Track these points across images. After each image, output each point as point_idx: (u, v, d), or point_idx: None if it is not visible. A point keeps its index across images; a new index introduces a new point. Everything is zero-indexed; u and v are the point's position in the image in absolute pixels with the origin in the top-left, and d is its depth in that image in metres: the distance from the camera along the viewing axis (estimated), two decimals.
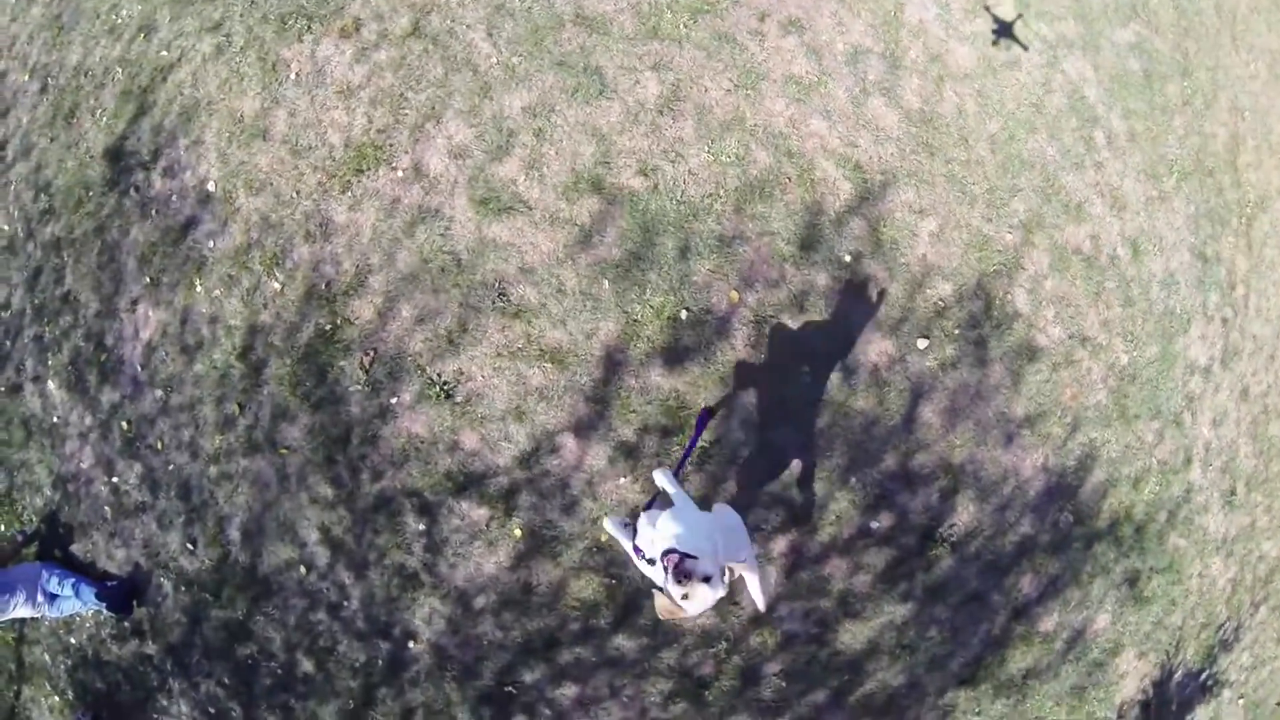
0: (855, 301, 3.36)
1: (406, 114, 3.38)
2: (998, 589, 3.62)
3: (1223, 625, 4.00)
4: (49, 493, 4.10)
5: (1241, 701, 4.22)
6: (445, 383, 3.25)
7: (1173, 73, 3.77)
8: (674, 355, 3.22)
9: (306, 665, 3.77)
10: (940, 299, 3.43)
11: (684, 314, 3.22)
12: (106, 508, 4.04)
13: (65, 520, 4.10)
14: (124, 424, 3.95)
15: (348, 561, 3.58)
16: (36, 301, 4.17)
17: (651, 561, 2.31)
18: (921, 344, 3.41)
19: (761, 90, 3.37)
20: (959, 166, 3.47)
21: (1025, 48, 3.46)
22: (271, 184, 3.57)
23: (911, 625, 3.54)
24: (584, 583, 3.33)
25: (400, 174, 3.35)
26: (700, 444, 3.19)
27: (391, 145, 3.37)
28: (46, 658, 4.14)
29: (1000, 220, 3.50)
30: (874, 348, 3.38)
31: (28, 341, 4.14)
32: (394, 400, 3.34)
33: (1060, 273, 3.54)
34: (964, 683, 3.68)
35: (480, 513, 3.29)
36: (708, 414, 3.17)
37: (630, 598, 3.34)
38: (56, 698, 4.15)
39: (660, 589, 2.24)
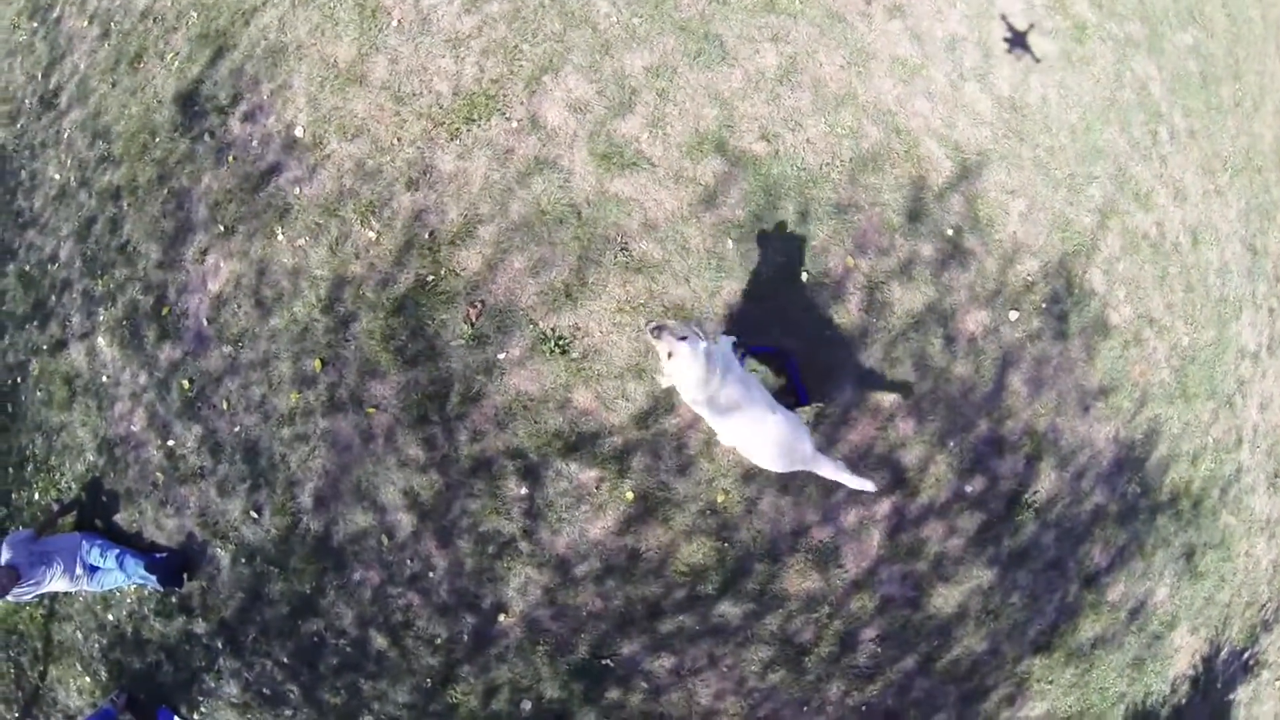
0: (956, 272, 3.32)
1: (522, 65, 3.16)
2: (1073, 557, 3.60)
3: (1264, 606, 4.04)
4: (92, 458, 3.57)
5: (1278, 684, 4.32)
6: (560, 337, 2.99)
7: (1226, 76, 3.93)
8: (794, 315, 3.11)
9: (380, 642, 3.39)
10: (1028, 274, 3.42)
11: (804, 276, 3.13)
12: (158, 474, 3.55)
13: (109, 487, 3.57)
14: (184, 382, 3.50)
15: (435, 529, 3.23)
16: (88, 253, 3.67)
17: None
18: (1013, 316, 3.39)
19: (871, 69, 3.32)
20: (1044, 152, 3.50)
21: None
22: (369, 130, 3.26)
23: (997, 590, 3.46)
24: (694, 547, 3.10)
25: (515, 124, 3.11)
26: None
27: (505, 96, 3.14)
28: (79, 635, 3.57)
29: (1079, 204, 3.54)
30: (971, 318, 3.34)
31: (76, 296, 3.63)
32: (501, 355, 3.05)
33: (1130, 256, 3.60)
34: (1039, 650, 3.62)
35: (590, 474, 3.02)
36: (792, 363, 3.02)
37: (740, 561, 3.15)
38: (87, 678, 3.58)
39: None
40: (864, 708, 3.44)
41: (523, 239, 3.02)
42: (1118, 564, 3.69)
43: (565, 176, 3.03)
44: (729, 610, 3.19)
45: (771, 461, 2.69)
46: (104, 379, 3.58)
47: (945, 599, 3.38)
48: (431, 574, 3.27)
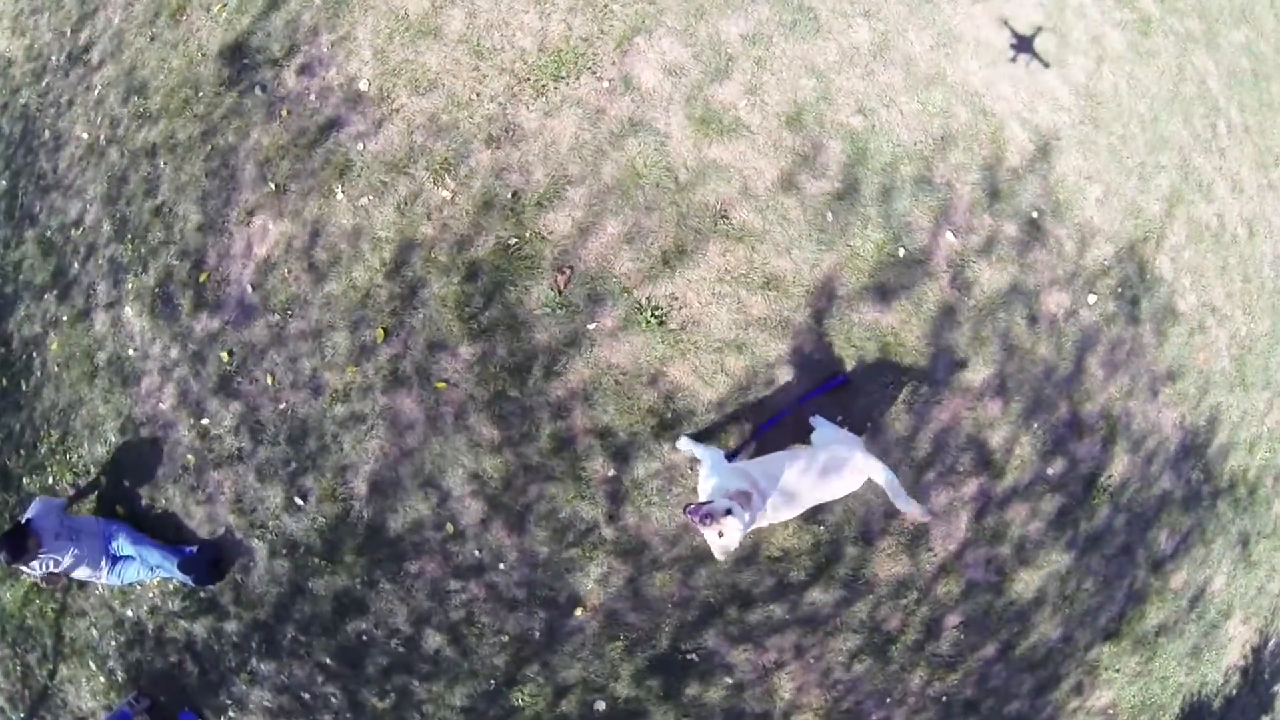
0: (1038, 254, 3.32)
1: (612, 25, 3.00)
2: (1141, 542, 3.62)
3: None
4: (114, 439, 3.23)
5: None
6: (656, 307, 2.81)
7: (1275, 73, 4.06)
8: (890, 291, 2.96)
9: (436, 640, 3.11)
10: (1104, 259, 3.44)
11: (901, 251, 3.04)
12: (189, 456, 3.19)
13: (132, 472, 3.22)
14: (223, 355, 3.16)
15: (507, 516, 2.97)
16: (117, 216, 3.33)
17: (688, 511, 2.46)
18: (1091, 299, 3.45)
19: (957, 51, 3.28)
20: (1116, 140, 3.56)
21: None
22: (443, 84, 3.02)
23: (1073, 575, 3.42)
24: (788, 530, 2.94)
25: (607, 84, 2.92)
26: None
27: (595, 55, 2.96)
28: (94, 633, 3.20)
29: (1149, 192, 3.61)
30: (1053, 299, 3.33)
31: (102, 263, 3.29)
32: (592, 325, 2.84)
33: (1194, 245, 3.68)
34: (1109, 637, 3.61)
35: (683, 454, 2.81)
36: (843, 380, 2.97)
37: (832, 545, 3.03)
38: (101, 678, 3.20)
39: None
40: (944, 698, 3.37)
41: (617, 203, 2.84)
42: (1182, 550, 3.74)
43: (661, 140, 2.89)
44: (819, 598, 3.06)
45: (835, 492, 2.60)
46: (130, 352, 3.23)
47: (1026, 584, 3.35)
48: (501, 565, 3.05)
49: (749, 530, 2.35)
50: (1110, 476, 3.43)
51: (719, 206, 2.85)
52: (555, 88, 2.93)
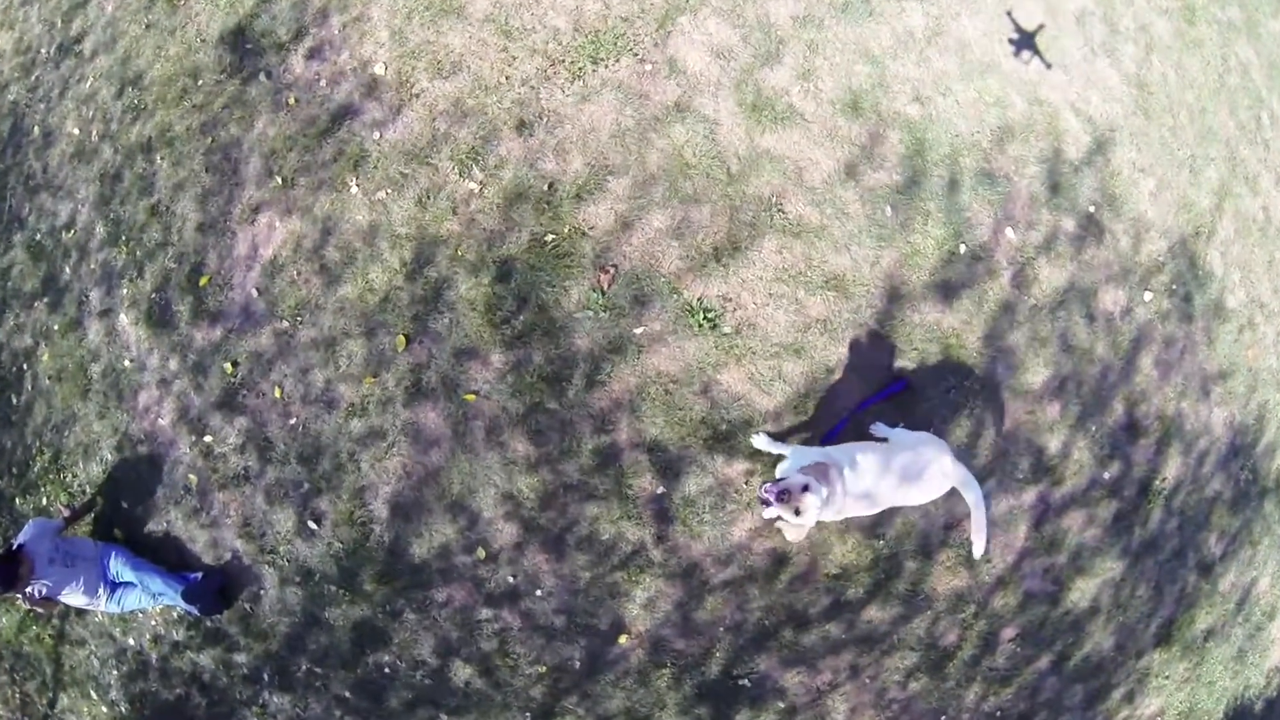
0: (1094, 250, 3.11)
1: (653, 3, 2.66)
2: (1193, 545, 3.45)
3: None
4: (110, 457, 2.87)
5: None
6: (708, 309, 2.51)
7: None
8: (951, 291, 2.70)
9: (466, 672, 2.82)
10: (1158, 254, 3.25)
11: (962, 248, 2.78)
12: (191, 476, 2.83)
13: (131, 493, 2.86)
14: (227, 366, 2.80)
15: (544, 539, 2.65)
16: (111, 216, 2.97)
17: (765, 503, 2.30)
18: (1147, 296, 3.27)
19: (1010, 38, 3.17)
20: (1167, 132, 3.35)
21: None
22: (468, 67, 2.68)
23: (1127, 582, 3.23)
24: (847, 546, 2.69)
25: (649, 67, 2.60)
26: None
27: (636, 35, 2.63)
28: (94, 662, 2.88)
29: (1199, 185, 3.41)
30: (1109, 297, 3.10)
31: (95, 268, 2.94)
32: (638, 329, 2.53)
33: (1242, 240, 3.49)
34: (1160, 644, 3.44)
35: (738, 468, 2.54)
36: (903, 385, 2.76)
37: (891, 560, 2.75)
38: (104, 709, 2.88)
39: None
40: (998, 713, 3.17)
41: (663, 194, 2.52)
42: (1230, 553, 3.56)
43: (711, 127, 2.60)
44: (876, 615, 2.80)
45: (922, 494, 2.42)
46: (126, 364, 2.88)
47: (1081, 593, 3.13)
48: (537, 591, 2.74)
49: (832, 512, 2.17)
50: (1164, 479, 3.23)
51: (773, 199, 2.57)
52: (593, 70, 2.63)
